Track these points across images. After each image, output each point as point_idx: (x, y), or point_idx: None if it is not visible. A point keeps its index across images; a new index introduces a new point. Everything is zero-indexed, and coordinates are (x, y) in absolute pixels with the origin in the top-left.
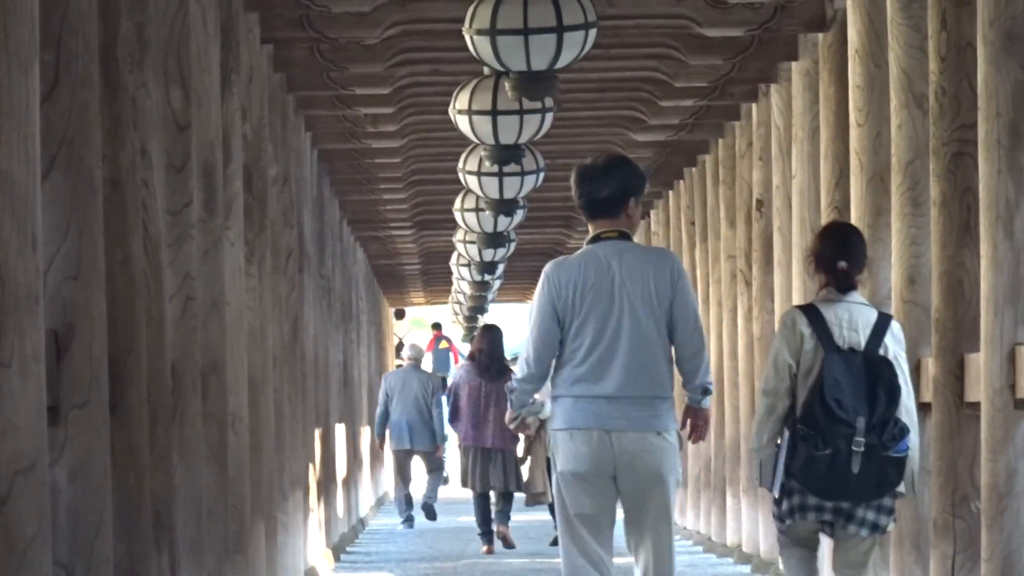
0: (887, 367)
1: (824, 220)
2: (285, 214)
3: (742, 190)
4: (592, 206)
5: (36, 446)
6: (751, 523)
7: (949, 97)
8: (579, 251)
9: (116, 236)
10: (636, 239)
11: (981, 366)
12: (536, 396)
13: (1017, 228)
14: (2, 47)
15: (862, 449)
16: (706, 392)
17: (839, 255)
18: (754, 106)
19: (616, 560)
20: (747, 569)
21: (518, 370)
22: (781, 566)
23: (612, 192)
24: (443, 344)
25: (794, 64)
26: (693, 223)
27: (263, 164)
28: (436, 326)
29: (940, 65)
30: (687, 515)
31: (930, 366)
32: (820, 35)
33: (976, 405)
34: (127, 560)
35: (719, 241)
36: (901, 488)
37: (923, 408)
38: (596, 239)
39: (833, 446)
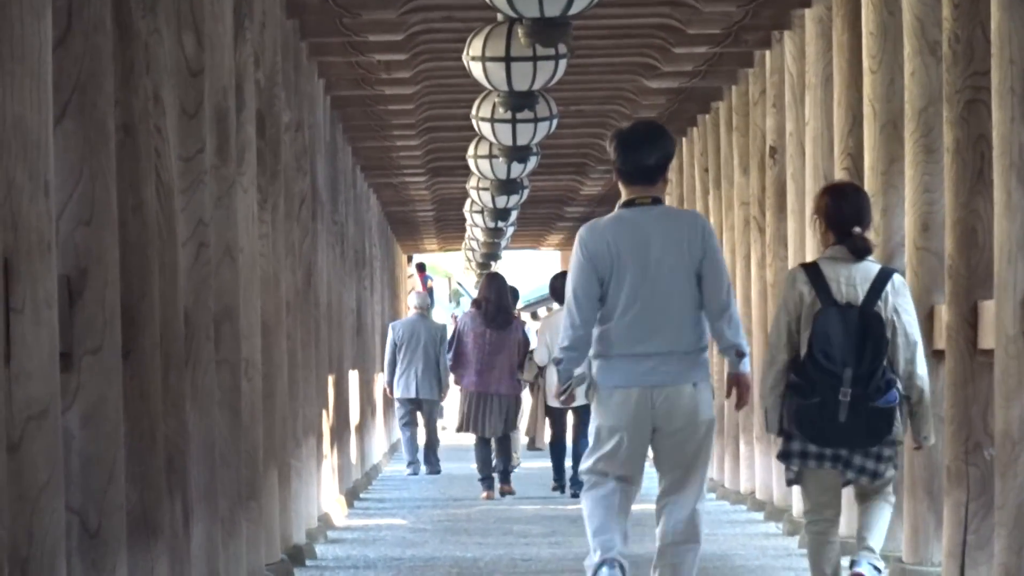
0: (877, 322)
1: (838, 167)
2: (298, 160)
3: (755, 137)
4: (637, 172)
5: (49, 392)
6: (764, 470)
7: (963, 44)
8: (611, 214)
9: (129, 182)
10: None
11: (994, 313)
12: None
13: None
14: None
15: (848, 399)
16: (740, 355)
17: (853, 220)
18: (767, 53)
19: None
20: (760, 516)
21: (562, 337)
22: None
23: (659, 160)
24: (429, 284)
25: (807, 11)
26: (707, 170)
27: (276, 110)
28: (420, 267)
29: (953, 12)
30: None
31: (943, 313)
32: None
33: (989, 352)
34: (140, 506)
35: (732, 188)
36: (896, 433)
37: (936, 355)
38: (630, 204)
39: (821, 395)
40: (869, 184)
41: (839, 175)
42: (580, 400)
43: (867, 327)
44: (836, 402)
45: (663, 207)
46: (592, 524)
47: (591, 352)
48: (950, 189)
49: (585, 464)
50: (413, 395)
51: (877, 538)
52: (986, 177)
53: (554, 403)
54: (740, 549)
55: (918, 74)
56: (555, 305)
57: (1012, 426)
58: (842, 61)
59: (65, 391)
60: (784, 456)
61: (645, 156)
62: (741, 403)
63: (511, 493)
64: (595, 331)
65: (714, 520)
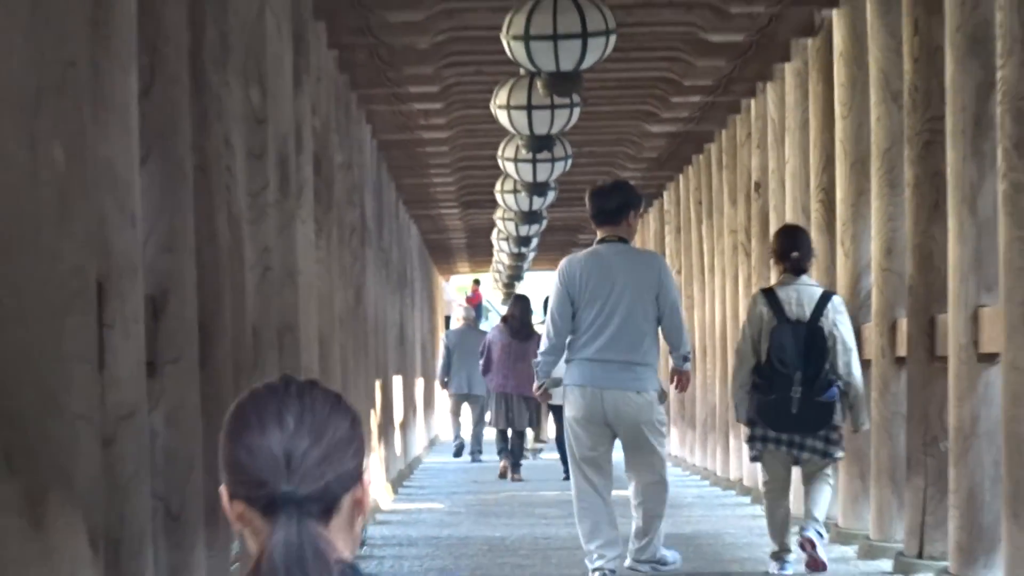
0: (820, 336)
1: (813, 199)
2: (349, 195)
3: (742, 174)
4: (601, 215)
5: (136, 396)
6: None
7: (921, 93)
8: (587, 250)
9: (204, 215)
10: (638, 237)
11: (949, 325)
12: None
13: (980, 206)
14: (105, 53)
15: (798, 396)
16: (685, 359)
17: (791, 248)
18: (753, 101)
19: (620, 492)
20: (747, 500)
21: (542, 345)
22: (760, 480)
23: (618, 205)
24: (478, 294)
25: (787, 65)
26: (700, 202)
27: (330, 152)
28: (476, 282)
29: (913, 65)
30: (695, 454)
31: (904, 325)
32: (809, 40)
33: (944, 359)
34: (216, 494)
35: (723, 218)
36: (838, 421)
37: (899, 362)
38: (602, 241)
39: (777, 393)
40: (840, 215)
41: (815, 207)
42: (558, 400)
43: (813, 339)
44: (789, 398)
45: (627, 246)
46: (583, 529)
47: (566, 357)
48: (910, 218)
49: (567, 449)
50: (466, 391)
51: (821, 510)
52: (941, 208)
53: (557, 402)
54: (730, 528)
55: (883, 119)
56: None
57: (964, 422)
58: (817, 108)
59: (150, 395)
60: (749, 440)
61: (606, 202)
62: (682, 388)
63: (520, 480)
64: (570, 341)
65: (707, 503)
